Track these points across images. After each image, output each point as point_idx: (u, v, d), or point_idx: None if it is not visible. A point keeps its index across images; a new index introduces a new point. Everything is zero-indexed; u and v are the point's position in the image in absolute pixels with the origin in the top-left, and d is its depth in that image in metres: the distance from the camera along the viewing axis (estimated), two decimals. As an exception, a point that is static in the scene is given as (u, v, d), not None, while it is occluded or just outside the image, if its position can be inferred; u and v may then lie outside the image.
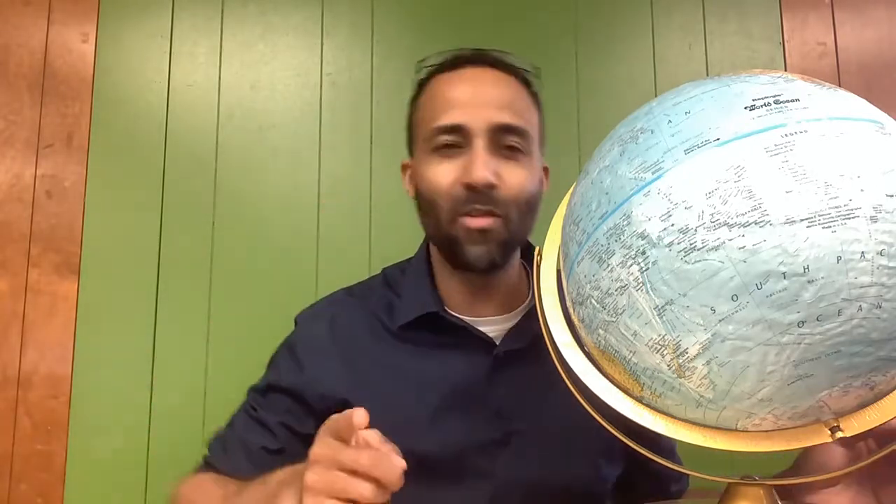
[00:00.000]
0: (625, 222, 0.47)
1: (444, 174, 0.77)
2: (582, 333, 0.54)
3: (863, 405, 0.46)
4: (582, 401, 0.56)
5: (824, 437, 0.46)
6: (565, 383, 0.57)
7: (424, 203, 0.81)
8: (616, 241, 0.48)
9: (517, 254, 0.85)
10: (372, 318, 0.84)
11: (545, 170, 0.87)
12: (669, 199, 0.45)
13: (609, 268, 0.48)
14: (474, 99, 0.77)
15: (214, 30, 1.36)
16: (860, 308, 0.42)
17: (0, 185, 1.29)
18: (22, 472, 1.22)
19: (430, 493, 0.75)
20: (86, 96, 1.32)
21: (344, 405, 0.75)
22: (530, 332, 0.79)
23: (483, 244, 0.77)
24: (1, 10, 1.33)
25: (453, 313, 0.82)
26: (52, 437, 1.23)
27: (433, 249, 0.86)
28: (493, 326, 0.82)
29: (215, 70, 1.35)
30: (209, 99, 1.34)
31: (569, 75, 1.37)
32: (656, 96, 0.54)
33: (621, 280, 0.47)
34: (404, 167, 0.88)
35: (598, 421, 0.55)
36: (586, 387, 0.54)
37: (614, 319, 0.48)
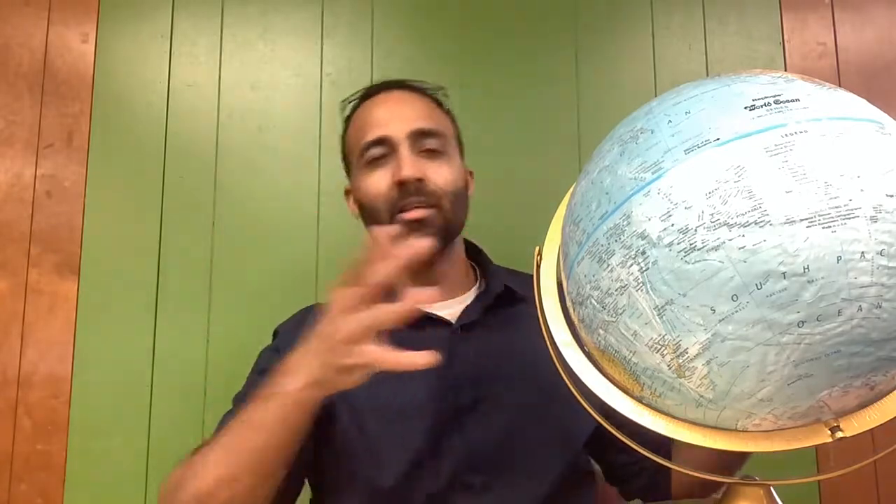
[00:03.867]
0: (625, 222, 0.47)
1: (378, 180, 0.89)
2: (582, 333, 0.54)
3: (863, 405, 0.46)
4: (582, 401, 0.56)
5: (824, 437, 0.46)
6: (567, 385, 0.57)
7: (366, 212, 0.91)
8: (616, 241, 0.48)
9: (459, 248, 0.96)
10: None
11: (471, 174, 0.99)
12: (669, 199, 0.45)
13: (609, 268, 0.48)
14: (393, 114, 0.91)
15: (214, 30, 1.36)
16: (860, 308, 0.42)
17: (0, 185, 1.29)
18: (22, 472, 1.22)
19: (404, 463, 0.80)
20: (86, 96, 1.32)
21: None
22: (481, 307, 0.90)
23: (420, 231, 0.85)
24: (1, 10, 1.33)
25: None
26: (52, 437, 1.23)
27: None
28: (447, 310, 0.90)
29: (215, 70, 1.35)
30: (209, 99, 1.34)
31: (569, 75, 1.37)
32: (656, 96, 0.54)
33: (621, 280, 0.47)
34: (347, 192, 1.00)
35: (598, 421, 0.55)
36: (586, 387, 0.54)
37: (614, 319, 0.48)
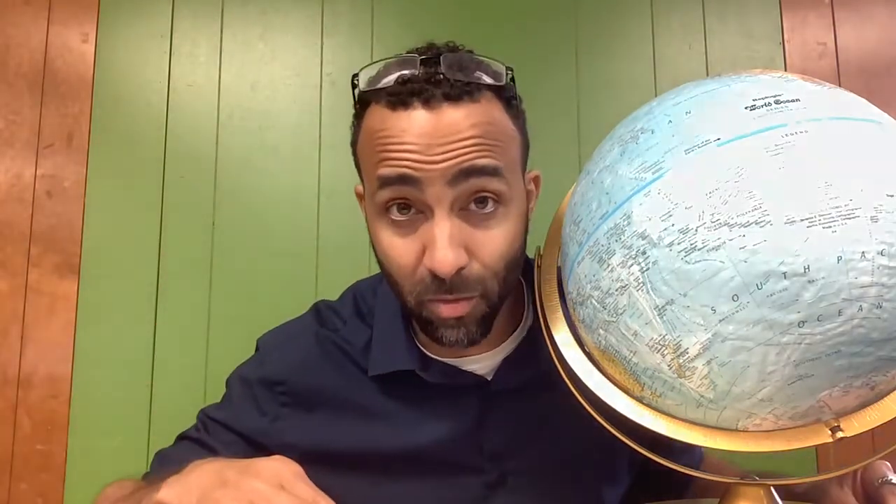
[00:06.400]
0: (625, 222, 0.47)
1: (401, 252, 0.62)
2: (582, 333, 0.54)
3: (863, 405, 0.46)
4: (582, 401, 0.56)
5: (824, 437, 0.46)
6: (567, 385, 0.57)
7: (383, 271, 0.66)
8: (616, 241, 0.48)
9: None
10: (342, 356, 0.74)
11: (535, 179, 0.73)
12: (670, 199, 0.45)
13: (609, 268, 0.48)
14: (426, 145, 0.59)
15: (214, 30, 1.36)
16: (860, 308, 0.42)
17: (0, 185, 1.29)
18: (22, 472, 1.22)
19: None
20: (86, 96, 1.32)
21: (313, 455, 0.67)
22: (524, 366, 0.71)
23: (460, 328, 0.64)
24: (1, 10, 1.33)
25: (435, 357, 0.72)
26: (52, 437, 1.23)
27: None
28: (483, 363, 0.72)
29: (215, 70, 1.35)
30: (209, 99, 1.34)
31: (569, 75, 1.37)
32: (656, 96, 0.54)
33: (622, 280, 0.47)
34: (359, 196, 0.71)
35: (598, 421, 0.55)
36: (586, 387, 0.54)
37: (615, 319, 0.48)
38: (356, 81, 0.65)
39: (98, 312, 1.26)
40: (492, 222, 0.62)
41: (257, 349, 0.81)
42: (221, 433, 0.74)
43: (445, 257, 0.59)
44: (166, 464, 0.70)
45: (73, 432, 1.23)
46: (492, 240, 0.62)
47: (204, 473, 0.53)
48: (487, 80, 0.63)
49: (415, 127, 0.59)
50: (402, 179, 0.60)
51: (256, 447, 0.73)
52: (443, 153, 0.59)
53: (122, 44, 1.34)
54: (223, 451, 0.72)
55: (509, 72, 0.65)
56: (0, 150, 1.29)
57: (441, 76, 0.60)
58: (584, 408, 0.56)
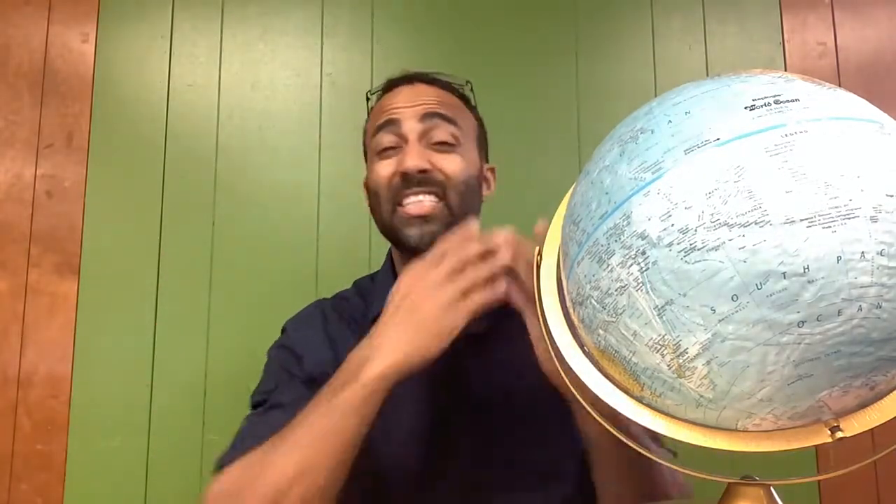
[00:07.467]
0: (625, 222, 0.47)
1: (384, 169, 0.86)
2: (582, 333, 0.54)
3: (863, 405, 0.46)
4: (582, 400, 0.56)
5: (824, 437, 0.46)
6: (565, 382, 0.57)
7: (371, 199, 0.89)
8: (616, 241, 0.48)
9: None
10: (350, 321, 0.90)
11: (492, 170, 0.96)
12: (669, 199, 0.45)
13: (609, 268, 0.48)
14: (406, 99, 0.87)
15: (214, 30, 1.36)
16: (860, 308, 0.42)
17: (0, 185, 1.29)
18: (22, 472, 1.22)
19: (404, 479, 0.78)
20: (86, 96, 1.32)
21: None
22: (491, 316, 0.81)
23: (424, 226, 0.83)
24: (1, 10, 1.33)
25: None
26: (52, 437, 1.23)
27: (395, 253, 0.93)
28: None
29: (215, 70, 1.35)
30: (209, 99, 1.34)
31: (569, 75, 1.37)
32: (656, 96, 0.54)
33: (621, 280, 0.47)
34: (366, 185, 0.93)
35: (596, 419, 0.56)
36: (585, 385, 0.54)
37: (614, 319, 0.48)
38: (369, 96, 0.96)
39: (98, 312, 1.26)
40: (450, 153, 0.86)
41: (283, 330, 0.94)
42: (279, 391, 0.82)
43: (412, 157, 0.82)
44: (257, 434, 0.73)
45: (73, 432, 1.23)
46: (451, 160, 0.85)
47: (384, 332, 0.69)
48: (454, 83, 0.93)
49: (400, 95, 0.89)
50: (389, 122, 0.86)
51: (310, 385, 0.78)
52: (416, 102, 0.87)
53: (122, 44, 1.34)
54: (286, 398, 0.79)
55: (469, 84, 0.95)
56: (0, 150, 1.30)
57: (420, 73, 0.92)
58: (584, 407, 0.56)
